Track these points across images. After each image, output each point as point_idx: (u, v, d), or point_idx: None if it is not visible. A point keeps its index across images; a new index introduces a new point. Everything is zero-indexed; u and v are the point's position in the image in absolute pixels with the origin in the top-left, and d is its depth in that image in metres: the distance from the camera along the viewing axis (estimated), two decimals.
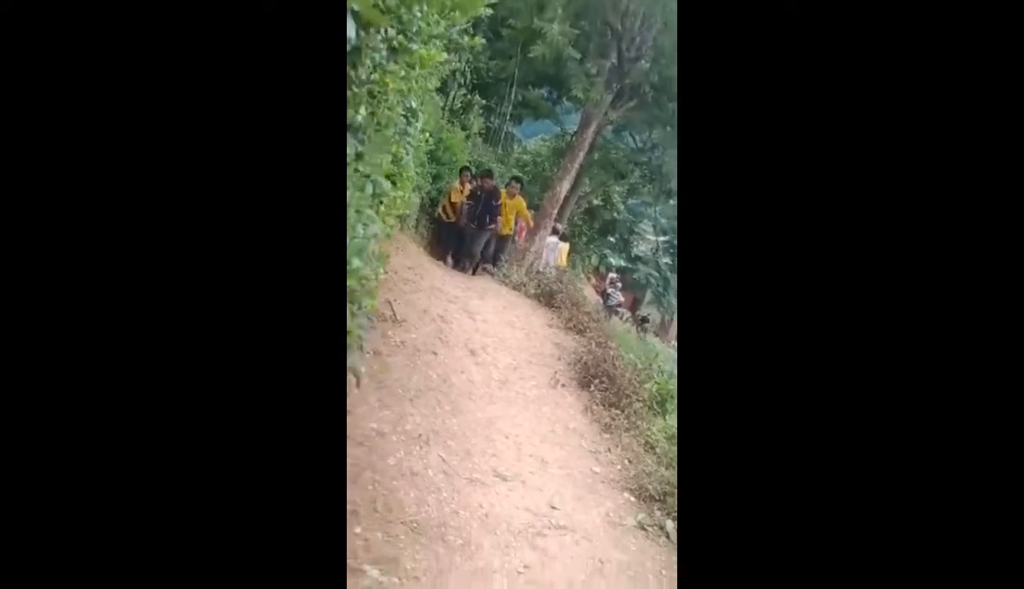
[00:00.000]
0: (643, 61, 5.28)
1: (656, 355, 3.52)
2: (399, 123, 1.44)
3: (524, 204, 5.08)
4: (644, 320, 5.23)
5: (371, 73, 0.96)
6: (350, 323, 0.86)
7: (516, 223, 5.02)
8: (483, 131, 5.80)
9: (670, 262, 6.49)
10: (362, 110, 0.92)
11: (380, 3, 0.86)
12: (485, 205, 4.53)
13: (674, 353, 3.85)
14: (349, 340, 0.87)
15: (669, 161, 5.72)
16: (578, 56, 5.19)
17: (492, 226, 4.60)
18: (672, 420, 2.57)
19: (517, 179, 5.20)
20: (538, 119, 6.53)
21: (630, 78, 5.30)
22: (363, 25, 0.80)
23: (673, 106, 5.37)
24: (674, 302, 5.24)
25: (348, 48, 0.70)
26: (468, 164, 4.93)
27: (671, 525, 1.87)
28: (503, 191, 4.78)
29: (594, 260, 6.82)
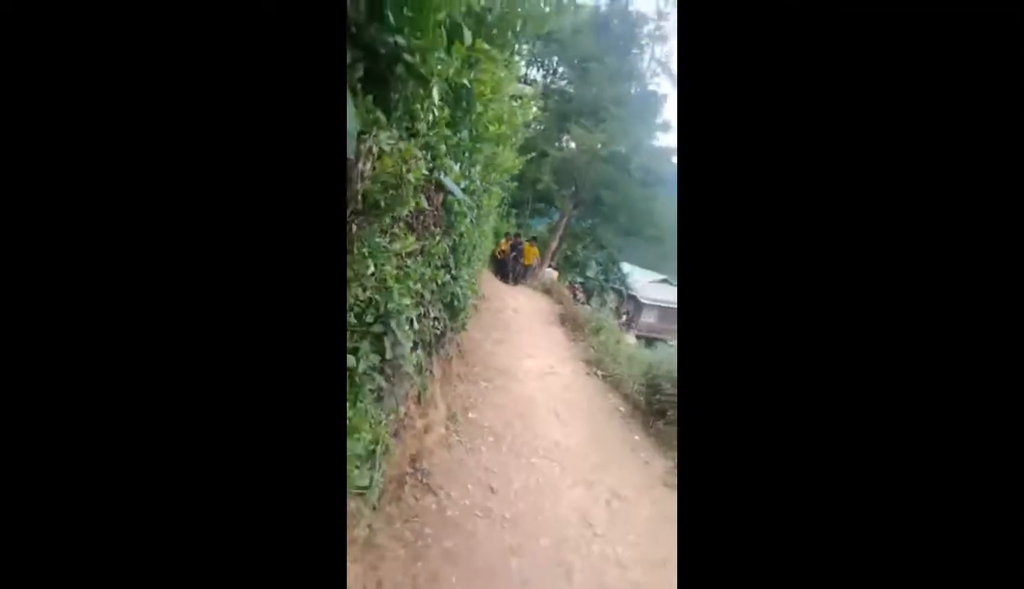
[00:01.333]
0: (585, 189, 11.85)
1: (594, 313, 9.53)
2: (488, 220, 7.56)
3: (537, 251, 11.26)
4: (588, 302, 11.42)
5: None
6: (473, 299, 5.91)
7: (532, 260, 11.19)
8: (517, 224, 12.19)
9: (603, 277, 13.27)
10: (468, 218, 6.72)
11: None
12: (516, 249, 10.52)
13: (600, 313, 9.80)
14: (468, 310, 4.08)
15: (603, 233, 12.30)
16: (557, 188, 11.70)
17: (520, 260, 10.68)
18: (603, 336, 8.46)
19: (533, 238, 11.40)
20: (541, 217, 13.17)
21: (581, 196, 11.82)
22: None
23: (604, 208, 11.95)
24: (606, 296, 11.33)
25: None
26: (508, 232, 11.12)
27: (592, 368, 7.65)
28: (526, 243, 10.79)
29: (567, 278, 13.09)
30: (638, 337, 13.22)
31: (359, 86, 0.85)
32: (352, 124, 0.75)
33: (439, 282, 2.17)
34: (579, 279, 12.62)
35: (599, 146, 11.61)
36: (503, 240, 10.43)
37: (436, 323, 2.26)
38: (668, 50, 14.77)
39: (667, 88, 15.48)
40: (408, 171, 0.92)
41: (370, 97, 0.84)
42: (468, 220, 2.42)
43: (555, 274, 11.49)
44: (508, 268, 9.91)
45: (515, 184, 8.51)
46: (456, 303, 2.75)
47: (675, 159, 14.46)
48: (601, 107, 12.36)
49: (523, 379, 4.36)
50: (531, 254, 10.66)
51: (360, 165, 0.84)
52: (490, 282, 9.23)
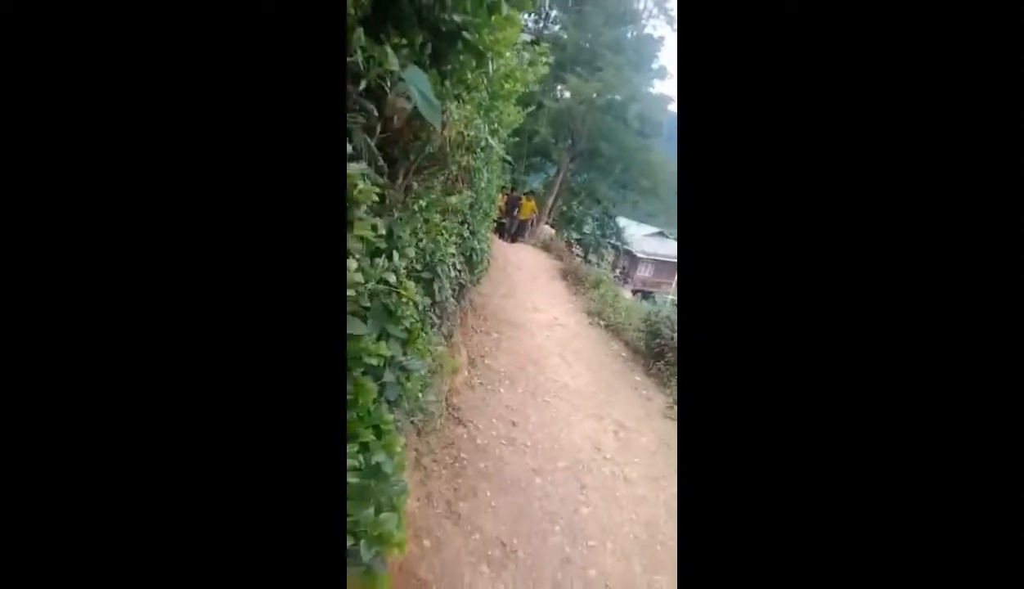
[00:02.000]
0: (582, 142, 11.66)
1: (592, 267, 9.72)
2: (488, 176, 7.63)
3: (533, 204, 11.10)
4: (587, 260, 11.56)
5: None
6: (487, 257, 6.32)
7: (529, 214, 11.17)
8: (513, 178, 12.06)
9: (600, 233, 13.28)
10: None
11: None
12: (513, 205, 10.37)
13: (598, 269, 10.02)
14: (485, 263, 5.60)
15: (599, 187, 12.20)
16: (554, 141, 11.50)
17: (516, 215, 10.66)
18: (603, 289, 8.68)
19: (530, 191, 11.29)
20: (537, 172, 12.89)
21: (578, 150, 11.65)
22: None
23: (601, 160, 11.80)
24: (603, 252, 11.45)
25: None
26: (503, 187, 11.07)
27: (595, 318, 7.93)
28: (523, 197, 10.58)
29: (564, 234, 13.14)
30: (634, 292, 13.50)
31: (428, 62, 0.98)
32: (435, 99, 0.88)
33: (463, 237, 2.34)
34: (575, 236, 12.70)
35: (595, 95, 11.35)
36: (499, 196, 10.62)
37: (460, 275, 2.45)
38: None
39: (664, 30, 14.81)
40: (467, 133, 1.07)
41: (435, 71, 0.97)
42: (485, 178, 2.55)
43: (552, 231, 11.58)
44: (506, 225, 9.67)
45: (514, 139, 8.45)
46: (474, 257, 2.92)
47: (672, 107, 14.18)
48: (597, 54, 11.96)
49: (531, 329, 4.62)
50: (528, 208, 10.48)
51: (444, 132, 0.98)
52: (491, 240, 9.35)
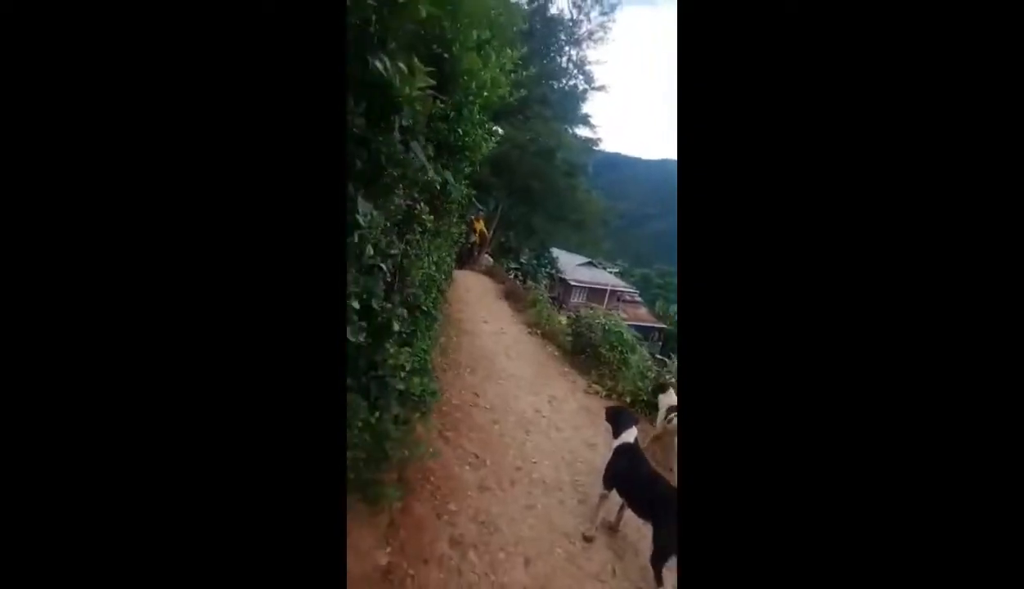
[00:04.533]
0: (517, 180, 13.23)
1: (533, 289, 10.95)
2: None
3: (483, 224, 12.04)
4: (524, 282, 12.80)
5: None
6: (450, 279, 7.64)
7: (481, 236, 11.99)
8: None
9: (536, 262, 14.85)
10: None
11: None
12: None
13: (535, 290, 11.30)
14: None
15: (534, 220, 13.78)
16: (493, 179, 12.93)
17: (469, 238, 11.55)
18: (538, 307, 9.88)
19: (480, 210, 12.15)
20: (477, 208, 14.43)
21: (513, 187, 13.17)
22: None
23: (535, 196, 13.38)
24: (539, 280, 12.83)
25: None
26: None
27: (533, 328, 9.24)
28: (473, 219, 11.33)
29: (504, 263, 14.49)
30: (568, 317, 15.04)
31: None
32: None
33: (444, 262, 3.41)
34: (513, 265, 14.10)
35: (528, 138, 12.98)
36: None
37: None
38: (581, 52, 16.47)
39: (583, 85, 17.17)
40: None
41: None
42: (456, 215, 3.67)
43: (491, 260, 12.81)
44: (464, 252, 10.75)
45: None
46: (445, 279, 3.99)
47: (597, 147, 16.38)
48: (528, 106, 13.71)
49: (482, 335, 5.70)
50: (479, 229, 11.22)
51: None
52: None
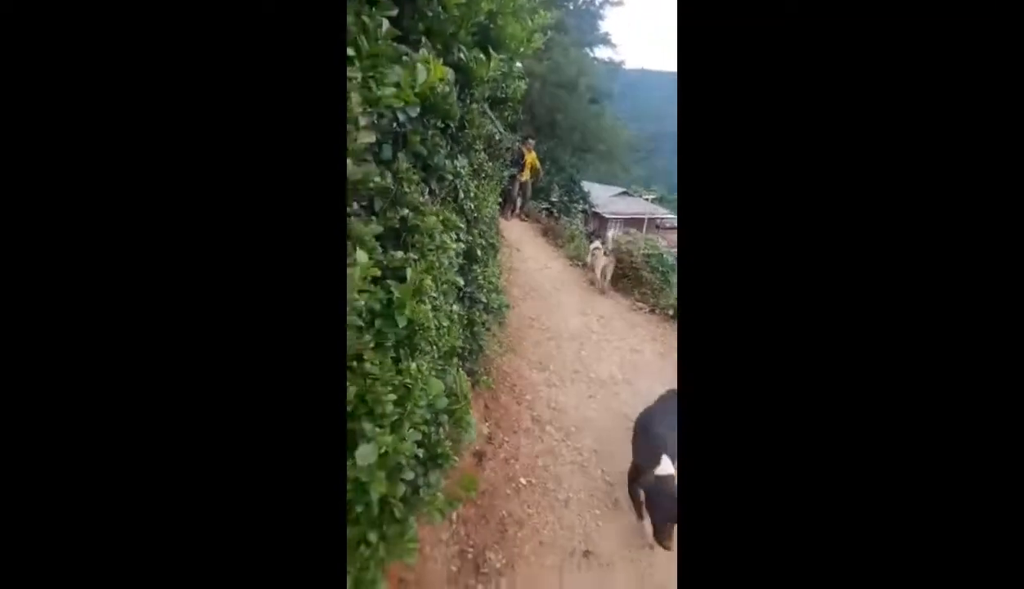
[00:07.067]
0: (541, 116, 13.03)
1: (567, 226, 11.22)
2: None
3: (535, 157, 8.35)
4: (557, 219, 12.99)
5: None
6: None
7: (531, 173, 10.57)
8: None
9: (567, 199, 14.85)
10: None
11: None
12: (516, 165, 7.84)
13: (571, 226, 11.54)
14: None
15: (561, 155, 13.63)
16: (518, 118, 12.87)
17: (519, 176, 10.69)
18: (576, 241, 10.19)
19: (527, 138, 8.33)
20: None
21: (536, 124, 13.03)
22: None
23: (559, 130, 13.17)
24: (574, 218, 12.83)
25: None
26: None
27: (574, 261, 9.49)
28: (522, 147, 7.78)
29: (536, 204, 14.71)
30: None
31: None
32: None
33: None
34: (544, 205, 14.24)
35: (548, 70, 12.64)
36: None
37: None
38: None
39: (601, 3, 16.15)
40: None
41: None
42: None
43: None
44: (511, 193, 8.01)
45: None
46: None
47: (625, 66, 15.36)
48: (544, 34, 13.18)
49: (528, 272, 6.22)
50: (529, 159, 8.27)
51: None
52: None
